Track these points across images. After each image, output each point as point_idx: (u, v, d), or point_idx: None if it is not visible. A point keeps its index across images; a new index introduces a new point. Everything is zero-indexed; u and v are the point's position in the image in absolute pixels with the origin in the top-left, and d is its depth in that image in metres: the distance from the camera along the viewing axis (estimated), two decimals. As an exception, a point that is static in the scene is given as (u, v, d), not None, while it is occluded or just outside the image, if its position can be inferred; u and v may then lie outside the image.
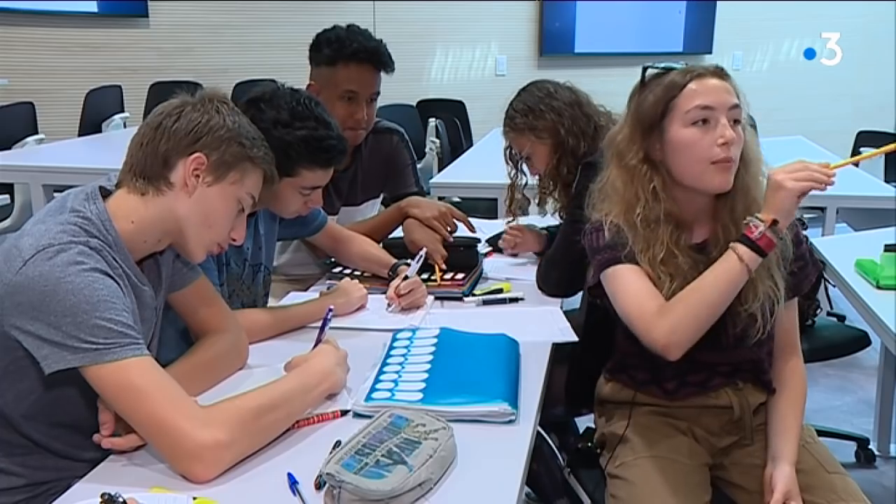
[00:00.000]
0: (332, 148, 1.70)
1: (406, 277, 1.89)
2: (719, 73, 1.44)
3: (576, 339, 1.70)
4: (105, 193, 1.31)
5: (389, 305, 1.88)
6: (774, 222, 1.33)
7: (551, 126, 2.02)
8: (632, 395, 1.57)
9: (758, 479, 1.48)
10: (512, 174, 2.16)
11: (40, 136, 4.51)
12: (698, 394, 1.53)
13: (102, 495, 1.03)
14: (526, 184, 2.17)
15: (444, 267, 2.04)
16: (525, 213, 3.17)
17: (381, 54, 2.18)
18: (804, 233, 1.56)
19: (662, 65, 1.47)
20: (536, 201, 2.19)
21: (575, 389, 1.75)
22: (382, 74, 2.21)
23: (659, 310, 1.39)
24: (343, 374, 1.43)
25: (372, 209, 2.44)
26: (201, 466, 1.14)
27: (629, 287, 1.44)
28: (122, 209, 1.29)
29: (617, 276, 1.45)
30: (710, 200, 1.47)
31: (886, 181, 3.90)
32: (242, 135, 1.34)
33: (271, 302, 1.98)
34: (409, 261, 1.98)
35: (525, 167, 2.15)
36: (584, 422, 1.76)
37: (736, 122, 1.41)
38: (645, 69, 1.48)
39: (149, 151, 1.30)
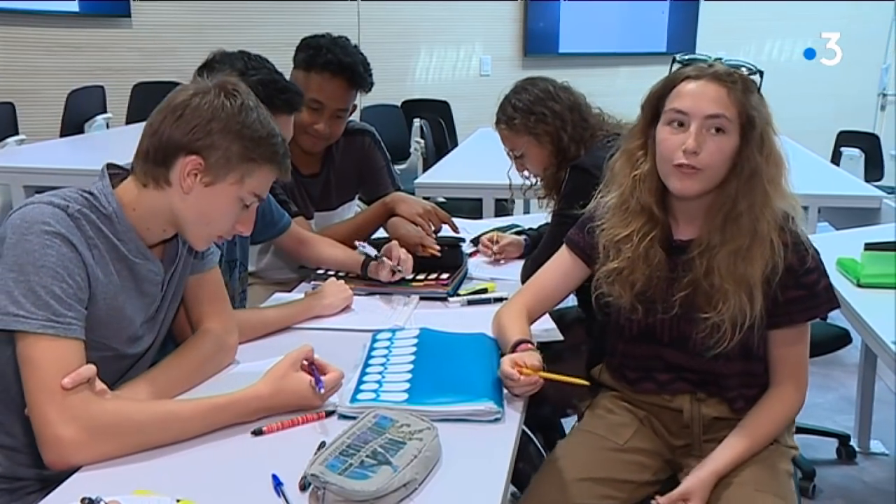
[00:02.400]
0: (287, 89, 1.72)
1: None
2: (719, 77, 1.41)
3: (561, 338, 1.70)
4: (114, 172, 1.34)
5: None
6: None
7: (553, 132, 1.99)
8: (597, 373, 1.64)
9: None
10: (523, 177, 2.14)
11: (21, 136, 4.47)
12: (657, 393, 1.56)
13: (83, 500, 1.02)
14: (533, 185, 2.16)
15: (438, 254, 2.05)
16: (510, 213, 3.18)
17: (354, 71, 2.15)
18: (819, 262, 1.48)
19: (688, 57, 1.47)
20: (538, 204, 2.19)
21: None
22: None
23: (517, 302, 1.63)
24: (290, 405, 1.33)
25: (348, 212, 2.43)
26: (53, 456, 1.16)
27: (544, 270, 1.67)
28: (126, 195, 1.32)
29: (556, 253, 1.66)
30: (703, 202, 1.46)
31: (866, 181, 3.94)
32: (246, 135, 1.30)
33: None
34: (378, 254, 1.96)
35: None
36: (572, 422, 1.77)
37: (718, 130, 1.39)
38: (673, 60, 1.49)
39: (152, 145, 1.30)
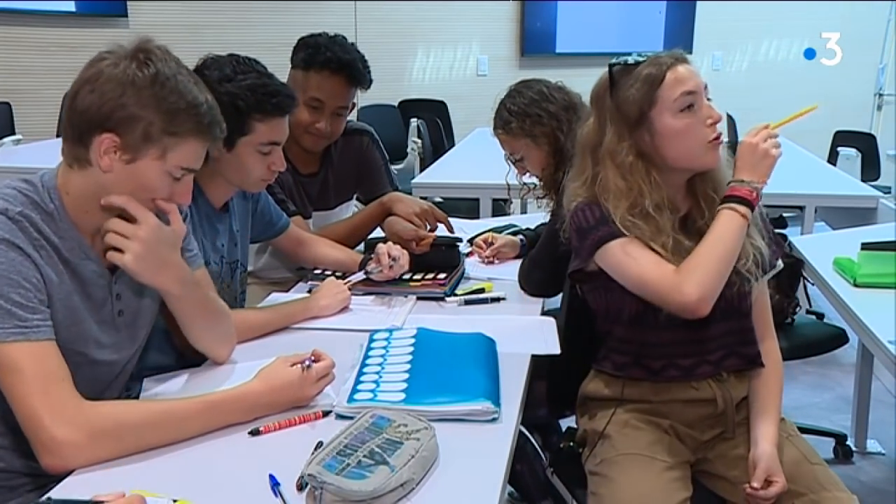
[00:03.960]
0: (278, 92, 1.70)
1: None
2: (684, 59, 1.51)
3: (558, 351, 1.65)
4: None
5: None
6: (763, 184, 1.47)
7: (550, 132, 2.00)
8: (619, 390, 1.57)
9: (742, 469, 1.50)
10: (517, 177, 2.14)
11: (17, 136, 4.47)
12: (682, 381, 1.54)
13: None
14: (534, 186, 2.15)
15: (434, 237, 2.06)
16: (507, 213, 3.18)
17: (354, 68, 2.15)
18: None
19: (624, 59, 1.51)
20: (537, 204, 2.19)
21: (556, 391, 1.75)
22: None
23: (678, 271, 1.44)
24: (285, 398, 1.33)
25: (346, 212, 2.44)
26: (50, 459, 1.15)
27: (639, 254, 1.47)
28: (61, 179, 1.27)
29: (620, 248, 1.48)
30: (685, 176, 1.53)
31: (863, 181, 3.95)
32: (163, 108, 1.21)
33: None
34: (372, 256, 1.97)
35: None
36: (568, 422, 1.76)
37: (709, 99, 1.49)
38: (612, 67, 1.52)
39: (69, 122, 1.23)
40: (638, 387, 1.57)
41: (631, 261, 1.48)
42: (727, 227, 1.46)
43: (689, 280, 1.42)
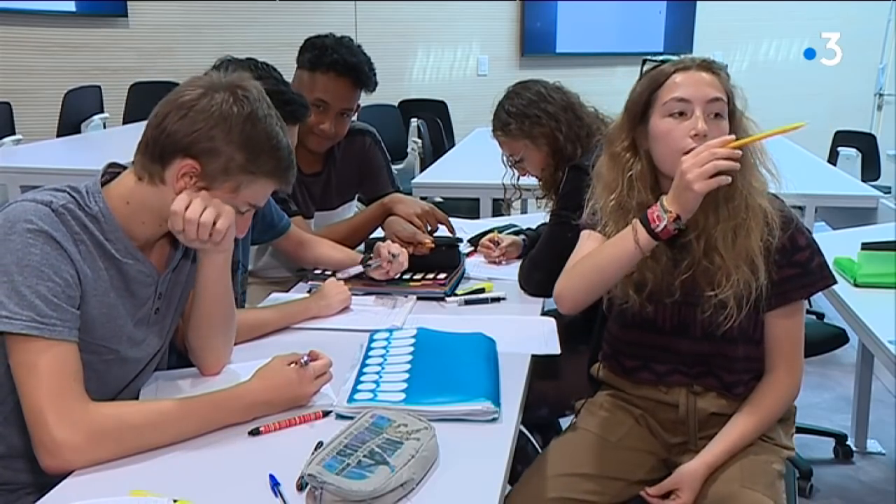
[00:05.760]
0: (293, 101, 1.72)
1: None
2: (707, 66, 1.45)
3: (558, 351, 1.65)
4: (114, 170, 1.32)
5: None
6: (678, 217, 1.35)
7: (549, 133, 2.00)
8: (602, 374, 1.64)
9: None
10: (514, 178, 2.14)
11: (18, 136, 4.47)
12: (653, 384, 1.56)
13: None
14: (528, 189, 2.15)
15: (432, 245, 2.06)
16: (508, 212, 3.18)
17: (360, 71, 2.16)
18: (811, 240, 1.52)
19: (661, 58, 1.51)
20: (536, 204, 2.19)
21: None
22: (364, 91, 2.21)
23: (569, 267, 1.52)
24: (283, 396, 1.33)
25: (348, 212, 2.44)
26: (51, 461, 1.15)
27: (579, 247, 1.57)
28: (120, 188, 1.30)
29: (581, 238, 1.58)
30: None
31: (863, 180, 3.95)
32: (249, 146, 1.25)
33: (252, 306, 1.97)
34: (372, 255, 1.98)
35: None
36: (570, 422, 1.77)
37: (717, 115, 1.42)
38: (644, 62, 1.51)
39: (152, 139, 1.26)
40: (616, 378, 1.62)
41: (576, 251, 1.57)
42: (614, 242, 1.42)
43: (561, 279, 1.51)
